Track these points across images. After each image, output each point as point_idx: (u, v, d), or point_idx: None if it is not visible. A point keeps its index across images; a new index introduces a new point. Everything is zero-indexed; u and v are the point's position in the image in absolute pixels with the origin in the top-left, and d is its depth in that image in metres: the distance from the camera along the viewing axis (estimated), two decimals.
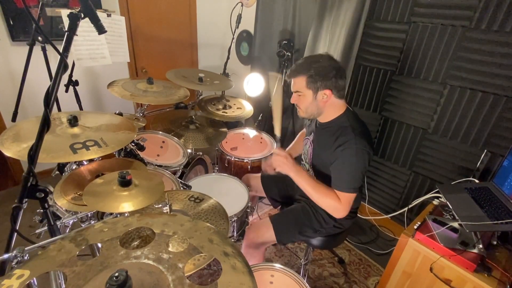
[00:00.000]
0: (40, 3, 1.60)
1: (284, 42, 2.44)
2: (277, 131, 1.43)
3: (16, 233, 0.83)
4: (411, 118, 1.94)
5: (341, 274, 1.88)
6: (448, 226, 1.22)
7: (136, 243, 0.93)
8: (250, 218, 1.63)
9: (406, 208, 2.02)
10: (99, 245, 0.72)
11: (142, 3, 2.68)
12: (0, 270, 0.80)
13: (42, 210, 0.89)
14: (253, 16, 2.79)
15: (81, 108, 2.11)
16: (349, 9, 1.93)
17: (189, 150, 1.87)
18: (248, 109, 2.18)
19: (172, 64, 3.10)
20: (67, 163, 1.53)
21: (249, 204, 1.53)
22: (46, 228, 0.94)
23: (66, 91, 1.96)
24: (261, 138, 2.31)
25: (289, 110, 2.66)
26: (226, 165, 2.07)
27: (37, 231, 1.02)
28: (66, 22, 0.92)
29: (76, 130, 1.11)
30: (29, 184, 0.80)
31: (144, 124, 1.76)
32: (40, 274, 0.62)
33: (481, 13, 1.52)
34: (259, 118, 2.67)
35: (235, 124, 2.44)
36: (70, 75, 1.94)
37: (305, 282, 1.17)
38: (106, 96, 2.74)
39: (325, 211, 1.27)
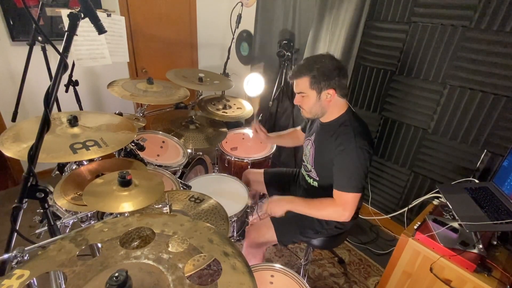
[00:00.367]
0: (40, 3, 1.60)
1: (284, 42, 2.44)
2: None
3: (16, 233, 0.83)
4: (411, 118, 1.94)
5: (341, 274, 1.88)
6: (448, 226, 1.22)
7: (136, 243, 0.93)
8: (250, 218, 1.63)
9: (406, 208, 2.02)
10: (99, 245, 0.72)
11: (142, 3, 2.68)
12: (0, 270, 0.80)
13: (42, 210, 0.89)
14: (253, 16, 2.79)
15: (81, 108, 2.11)
16: (349, 9, 1.93)
17: (189, 150, 1.87)
18: (248, 109, 2.18)
19: (172, 64, 3.10)
20: (67, 163, 1.53)
21: (249, 204, 1.53)
22: (46, 228, 0.94)
23: (66, 91, 1.96)
24: None
25: (289, 110, 2.66)
26: (226, 165, 2.07)
27: (37, 231, 1.02)
28: (66, 22, 0.92)
29: (76, 130, 1.11)
30: (29, 184, 0.80)
31: (144, 124, 1.76)
32: (40, 274, 0.62)
33: (481, 13, 1.52)
34: (259, 118, 2.67)
35: (235, 124, 2.44)
36: (70, 75, 1.94)
37: (305, 282, 1.17)
38: (106, 96, 2.74)
39: None
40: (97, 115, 1.30)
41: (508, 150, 1.38)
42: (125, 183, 0.95)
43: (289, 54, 2.42)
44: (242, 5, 2.59)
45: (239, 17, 2.57)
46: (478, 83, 1.60)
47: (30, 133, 1.05)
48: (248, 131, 2.32)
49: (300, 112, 1.35)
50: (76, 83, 1.97)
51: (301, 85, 1.23)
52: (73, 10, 0.82)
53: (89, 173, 1.28)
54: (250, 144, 2.32)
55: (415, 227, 1.27)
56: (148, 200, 0.94)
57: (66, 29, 0.82)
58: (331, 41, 2.11)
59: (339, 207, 1.22)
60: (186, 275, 0.64)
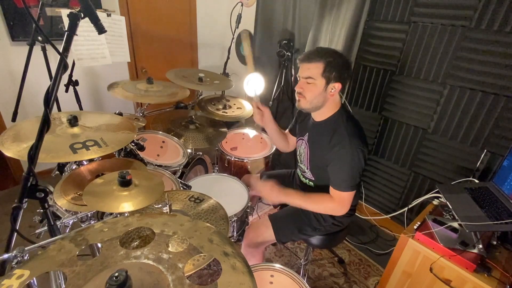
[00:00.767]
0: (40, 3, 1.60)
1: (284, 42, 2.44)
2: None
3: (16, 233, 0.83)
4: (411, 118, 1.94)
5: (341, 274, 1.88)
6: (448, 226, 1.22)
7: (136, 243, 0.93)
8: (250, 218, 1.63)
9: (406, 208, 2.02)
10: (99, 245, 0.72)
11: (142, 3, 2.68)
12: (0, 270, 0.80)
13: (42, 210, 0.89)
14: (253, 16, 2.79)
15: (81, 108, 2.11)
16: (349, 9, 1.93)
17: (189, 150, 1.87)
18: (248, 109, 2.18)
19: (172, 64, 3.09)
20: (67, 163, 1.53)
21: (249, 204, 1.53)
22: (46, 228, 0.94)
23: (66, 91, 1.96)
24: (261, 138, 2.31)
25: (289, 110, 2.66)
26: (226, 165, 2.07)
27: (37, 231, 1.02)
28: (66, 22, 0.92)
29: (76, 130, 1.11)
30: (29, 184, 0.80)
31: (144, 124, 1.77)
32: (40, 274, 0.62)
33: (481, 13, 1.52)
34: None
35: (235, 124, 2.44)
36: (70, 75, 1.94)
37: (305, 282, 1.17)
38: (106, 96, 2.74)
39: None
40: (97, 115, 1.30)
41: (508, 150, 1.38)
42: (125, 183, 0.95)
43: (289, 54, 2.42)
44: (242, 5, 2.59)
45: (239, 17, 2.57)
46: (478, 83, 1.60)
47: (30, 133, 1.05)
48: (248, 131, 2.32)
49: (296, 102, 1.30)
50: (76, 83, 1.97)
51: (313, 69, 1.19)
52: (73, 10, 0.82)
53: (89, 173, 1.28)
54: (250, 144, 2.32)
55: (415, 227, 1.27)
56: (148, 200, 0.94)
57: (66, 29, 0.82)
58: (331, 41, 2.11)
59: (337, 203, 1.26)
60: (186, 275, 0.64)
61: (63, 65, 0.79)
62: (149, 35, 2.83)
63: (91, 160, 1.33)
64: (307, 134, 1.40)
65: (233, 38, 2.68)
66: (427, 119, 1.86)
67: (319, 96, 1.22)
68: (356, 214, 1.81)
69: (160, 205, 1.04)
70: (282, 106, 2.72)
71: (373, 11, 1.96)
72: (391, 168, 2.14)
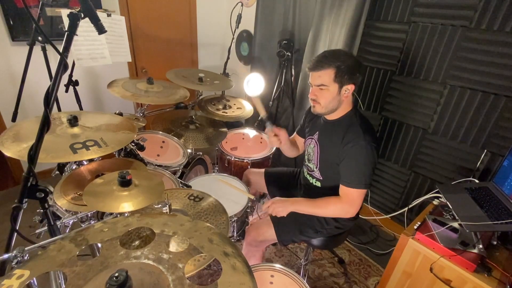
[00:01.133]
0: (40, 3, 1.60)
1: (284, 42, 2.44)
2: (262, 113, 1.46)
3: (16, 233, 0.83)
4: (411, 118, 1.94)
5: (341, 274, 1.88)
6: (448, 226, 1.22)
7: (136, 243, 0.93)
8: (250, 218, 1.63)
9: (406, 208, 2.02)
10: (99, 245, 0.72)
11: (142, 3, 2.68)
12: (0, 270, 0.80)
13: (42, 210, 0.89)
14: (253, 16, 2.79)
15: (81, 108, 2.11)
16: (349, 9, 1.93)
17: (189, 150, 1.87)
18: (248, 109, 2.18)
19: (172, 64, 3.10)
20: (67, 163, 1.53)
21: (249, 204, 1.53)
22: (46, 228, 0.94)
23: (66, 91, 1.96)
24: (261, 138, 2.31)
25: (289, 110, 2.66)
26: (226, 165, 2.07)
27: (37, 231, 1.02)
28: (66, 22, 0.92)
29: (76, 130, 1.11)
30: (29, 184, 0.80)
31: (144, 124, 1.76)
32: (40, 274, 0.62)
33: (481, 13, 1.52)
34: (259, 118, 2.67)
35: (235, 124, 2.44)
36: (70, 75, 1.94)
37: (305, 282, 1.17)
38: (106, 96, 2.74)
39: None
40: (97, 115, 1.30)
41: (508, 150, 1.38)
42: (125, 183, 0.95)
43: (289, 54, 2.42)
44: (242, 5, 2.59)
45: (239, 17, 2.57)
46: (478, 83, 1.60)
47: (30, 133, 1.05)
48: (248, 131, 2.32)
49: (311, 108, 1.30)
50: (76, 83, 1.97)
51: (324, 77, 1.19)
52: (73, 10, 0.82)
53: (89, 173, 1.28)
54: (250, 144, 2.32)
55: (415, 227, 1.27)
56: (148, 200, 0.94)
57: (66, 29, 0.82)
58: (331, 41, 2.11)
59: (346, 204, 1.23)
60: (186, 275, 0.64)
61: (63, 65, 0.79)
62: (149, 35, 2.83)
63: (91, 160, 1.33)
64: (317, 132, 1.39)
65: (233, 38, 2.68)
66: (427, 119, 1.86)
67: (333, 100, 1.23)
68: None
69: (159, 205, 1.04)
70: (282, 106, 2.72)
71: (373, 11, 1.96)
72: (391, 168, 2.14)
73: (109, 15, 1.77)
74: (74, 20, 0.82)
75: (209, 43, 3.27)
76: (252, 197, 1.46)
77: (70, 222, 1.10)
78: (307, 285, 1.16)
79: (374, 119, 2.13)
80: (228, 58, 2.71)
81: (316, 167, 1.40)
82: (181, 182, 1.52)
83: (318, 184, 1.42)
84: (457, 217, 1.22)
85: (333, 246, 1.79)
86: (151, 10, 2.76)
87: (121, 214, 0.95)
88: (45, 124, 0.78)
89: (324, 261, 1.97)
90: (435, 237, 1.19)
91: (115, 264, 0.66)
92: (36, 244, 0.81)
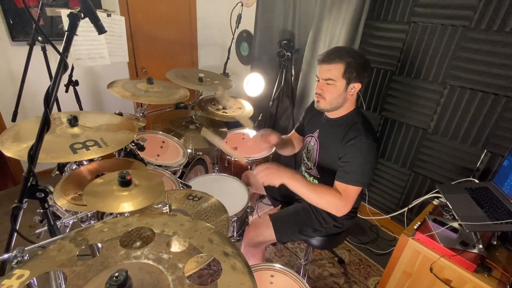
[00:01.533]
0: (40, 3, 1.60)
1: (284, 42, 2.44)
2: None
3: (16, 233, 0.83)
4: (411, 118, 1.94)
5: (341, 274, 1.88)
6: (448, 226, 1.22)
7: (136, 243, 0.93)
8: (250, 218, 1.63)
9: (406, 208, 2.02)
10: (99, 245, 0.72)
11: (142, 3, 2.68)
12: (0, 270, 0.80)
13: (42, 210, 0.89)
14: (253, 16, 2.79)
15: (81, 108, 2.11)
16: (349, 9, 1.93)
17: (189, 150, 1.87)
18: (248, 109, 2.18)
19: (172, 64, 3.10)
20: (67, 163, 1.53)
21: (249, 204, 1.53)
22: (46, 228, 0.94)
23: (66, 91, 1.96)
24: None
25: (289, 110, 2.66)
26: (226, 165, 2.07)
27: (37, 231, 1.02)
28: (66, 22, 0.92)
29: (76, 130, 1.11)
30: (29, 184, 0.80)
31: (144, 124, 1.76)
32: (40, 274, 0.62)
33: (481, 13, 1.52)
34: (259, 118, 2.67)
35: (235, 124, 2.44)
36: (70, 75, 1.94)
37: (305, 282, 1.17)
38: (106, 96, 2.74)
39: (326, 211, 1.26)
40: (97, 115, 1.30)
41: (508, 150, 1.39)
42: (125, 183, 0.95)
43: (289, 54, 2.42)
44: (242, 5, 2.59)
45: (239, 17, 2.57)
46: (478, 83, 1.60)
47: (30, 133, 1.05)
48: (248, 131, 2.32)
49: (315, 103, 1.28)
50: (76, 83, 1.97)
51: (334, 71, 1.17)
52: (73, 10, 0.82)
53: (89, 173, 1.28)
54: (250, 144, 2.32)
55: (415, 227, 1.27)
56: (148, 200, 0.94)
57: (66, 29, 0.82)
58: (331, 41, 2.11)
59: (342, 200, 1.18)
60: (186, 275, 0.64)
61: (63, 65, 0.79)
62: (149, 35, 2.83)
63: (91, 160, 1.33)
64: (318, 130, 1.39)
65: (233, 38, 2.68)
66: (427, 119, 1.86)
67: (339, 97, 1.22)
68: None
69: (159, 205, 1.04)
70: (282, 106, 2.72)
71: (373, 11, 1.96)
72: (391, 168, 2.14)
73: (109, 15, 1.77)
74: (74, 20, 0.82)
75: (209, 43, 3.27)
76: (243, 159, 1.44)
77: (70, 222, 1.10)
78: (307, 285, 1.16)
79: (374, 119, 2.14)
80: (228, 58, 2.71)
81: (314, 165, 1.39)
82: (181, 182, 1.52)
83: (316, 182, 1.42)
84: (457, 217, 1.21)
85: (333, 246, 1.79)
86: (151, 10, 2.76)
87: (121, 214, 0.95)
88: (45, 124, 0.78)
89: (324, 261, 1.97)
90: (435, 237, 1.19)
91: (115, 264, 0.66)
92: (36, 244, 0.81)
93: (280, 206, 1.70)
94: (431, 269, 1.20)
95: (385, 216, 2.26)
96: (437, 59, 1.73)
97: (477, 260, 1.10)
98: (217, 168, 2.25)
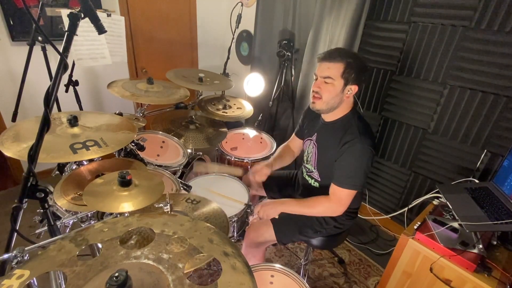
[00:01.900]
0: (40, 3, 1.60)
1: (284, 42, 2.43)
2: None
3: (16, 233, 0.83)
4: (411, 118, 1.94)
5: (341, 274, 1.88)
6: (448, 226, 1.22)
7: (136, 243, 0.93)
8: (250, 218, 1.63)
9: (406, 208, 2.02)
10: (99, 245, 0.72)
11: (142, 3, 2.68)
12: (0, 270, 0.80)
13: (42, 210, 0.89)
14: (253, 16, 2.79)
15: (81, 108, 2.11)
16: (349, 9, 1.93)
17: (189, 150, 1.87)
18: (248, 109, 2.18)
19: (172, 64, 3.09)
20: (67, 163, 1.53)
21: (250, 204, 1.53)
22: (46, 228, 0.94)
23: (66, 91, 1.96)
24: (261, 138, 2.31)
25: (289, 110, 2.66)
26: (226, 165, 2.07)
27: (37, 231, 1.02)
28: (66, 22, 0.92)
29: (76, 130, 1.11)
30: (29, 184, 0.80)
31: (144, 124, 1.76)
32: (40, 274, 0.62)
33: (481, 13, 1.52)
34: (259, 118, 2.67)
35: (235, 124, 2.44)
36: (70, 75, 1.94)
37: (305, 282, 1.17)
38: (106, 96, 2.74)
39: None
40: (97, 115, 1.30)
41: (508, 150, 1.38)
42: (125, 183, 0.95)
43: (289, 54, 2.42)
44: (242, 5, 2.59)
45: (239, 17, 2.57)
46: (478, 83, 1.60)
47: (30, 133, 1.05)
48: (248, 131, 2.32)
49: (311, 104, 1.28)
50: (76, 83, 1.97)
51: (333, 69, 1.18)
52: (73, 10, 0.82)
53: (89, 173, 1.28)
54: (250, 144, 2.32)
55: (415, 227, 1.27)
56: (148, 200, 0.94)
57: (66, 29, 0.82)
58: (331, 41, 2.11)
59: (334, 203, 1.25)
60: (186, 275, 0.64)
61: (63, 65, 0.79)
62: (149, 35, 2.83)
63: (91, 160, 1.33)
64: (316, 134, 1.39)
65: (233, 38, 2.68)
66: (427, 119, 1.86)
67: (335, 97, 1.22)
68: None
69: (160, 205, 1.04)
70: (282, 106, 2.72)
71: (373, 11, 1.96)
72: (391, 168, 2.14)
73: (109, 15, 1.77)
74: (74, 20, 0.82)
75: (209, 43, 3.27)
76: (240, 172, 1.48)
77: (70, 222, 1.10)
78: (307, 285, 1.16)
79: (374, 119, 2.14)
80: (228, 58, 2.71)
81: (315, 168, 1.40)
82: (181, 182, 1.52)
83: (317, 184, 1.42)
84: (457, 217, 1.22)
85: (333, 246, 1.79)
86: (151, 10, 2.76)
87: (121, 214, 0.95)
88: (45, 124, 0.78)
89: (324, 261, 1.97)
90: (435, 237, 1.19)
91: (115, 264, 0.66)
92: (36, 244, 0.81)
93: None
94: (431, 269, 1.20)
95: (385, 216, 2.26)
96: (437, 59, 1.73)
97: (477, 260, 1.10)
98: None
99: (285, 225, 1.39)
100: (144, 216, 0.81)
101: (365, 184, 2.29)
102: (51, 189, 0.87)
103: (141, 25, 2.74)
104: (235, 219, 1.44)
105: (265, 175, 1.50)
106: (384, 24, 1.94)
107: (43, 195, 0.83)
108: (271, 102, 2.58)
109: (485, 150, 1.63)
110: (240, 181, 1.69)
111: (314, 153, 1.39)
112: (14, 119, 1.79)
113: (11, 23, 2.08)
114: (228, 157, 2.01)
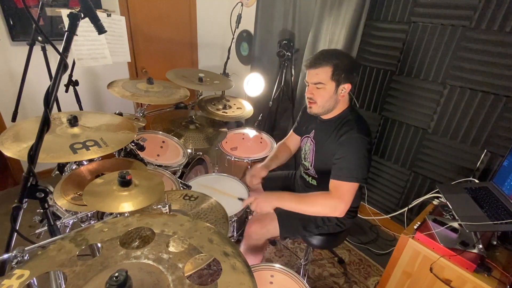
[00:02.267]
0: (40, 3, 1.60)
1: (284, 42, 2.43)
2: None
3: (16, 233, 0.83)
4: (411, 118, 1.94)
5: (341, 274, 1.88)
6: (448, 226, 1.22)
7: (136, 243, 0.93)
8: (250, 218, 1.62)
9: (406, 208, 2.02)
10: (99, 245, 0.72)
11: (142, 3, 2.68)
12: (0, 270, 0.80)
13: (42, 210, 0.89)
14: (253, 16, 2.79)
15: (81, 108, 2.11)
16: (349, 9, 1.93)
17: (189, 150, 1.87)
18: (248, 109, 2.18)
19: (172, 64, 3.09)
20: (67, 163, 1.53)
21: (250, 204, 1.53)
22: (46, 228, 0.94)
23: (66, 91, 1.96)
24: (261, 138, 2.31)
25: (289, 110, 2.66)
26: (226, 165, 2.07)
27: (37, 231, 1.02)
28: (66, 22, 0.92)
29: (76, 130, 1.11)
30: (29, 184, 0.80)
31: (144, 124, 1.76)
32: (40, 274, 0.62)
33: (481, 13, 1.52)
34: (259, 118, 2.67)
35: (235, 124, 2.44)
36: (70, 75, 1.94)
37: (305, 282, 1.17)
38: (106, 96, 2.74)
39: None
40: (97, 115, 1.30)
41: (508, 150, 1.38)
42: (125, 183, 0.95)
43: (289, 54, 2.42)
44: (242, 5, 2.59)
45: (239, 17, 2.57)
46: (478, 83, 1.60)
47: (30, 133, 1.05)
48: (248, 131, 2.32)
49: (308, 109, 1.30)
50: (76, 83, 1.97)
51: (322, 74, 1.17)
52: (73, 10, 0.82)
53: (89, 173, 1.28)
54: (250, 144, 2.32)
55: (415, 227, 1.27)
56: (148, 200, 0.94)
57: (66, 29, 0.82)
58: (331, 41, 2.11)
59: (335, 199, 1.17)
60: (186, 275, 0.64)
61: (63, 65, 0.79)
62: (149, 35, 2.83)
63: (91, 160, 1.33)
64: (313, 131, 1.40)
65: (233, 38, 2.68)
66: (427, 119, 1.86)
67: (330, 99, 1.22)
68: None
69: (159, 206, 1.04)
70: (282, 106, 2.72)
71: (373, 11, 1.96)
72: (391, 168, 2.14)
73: (109, 15, 1.77)
74: (74, 20, 0.82)
75: (209, 43, 3.27)
76: (236, 197, 1.46)
77: (70, 222, 1.10)
78: (307, 285, 1.16)
79: (374, 119, 2.14)
80: (228, 58, 2.71)
81: (311, 165, 1.40)
82: (181, 182, 1.52)
83: (314, 182, 1.42)
84: (457, 217, 1.22)
85: (333, 245, 1.79)
86: (151, 10, 2.76)
87: (121, 214, 0.95)
88: (45, 124, 0.78)
89: (324, 261, 1.97)
90: (435, 237, 1.19)
91: (115, 264, 0.66)
92: (36, 244, 0.81)
93: None
94: (431, 269, 1.20)
95: (385, 216, 2.26)
96: (437, 59, 1.73)
97: (477, 260, 1.10)
98: (217, 168, 2.25)
99: (290, 219, 1.37)
100: (144, 216, 0.81)
101: (367, 178, 2.26)
102: (51, 189, 0.88)
103: (141, 25, 2.74)
104: (235, 218, 1.44)
105: (262, 177, 1.51)
106: (384, 24, 1.94)
107: (43, 195, 0.83)
108: (271, 102, 2.58)
109: (485, 150, 1.63)
110: (240, 181, 1.69)
111: (312, 150, 1.39)
112: (14, 119, 1.79)
113: (11, 23, 2.07)
114: (228, 157, 2.01)
